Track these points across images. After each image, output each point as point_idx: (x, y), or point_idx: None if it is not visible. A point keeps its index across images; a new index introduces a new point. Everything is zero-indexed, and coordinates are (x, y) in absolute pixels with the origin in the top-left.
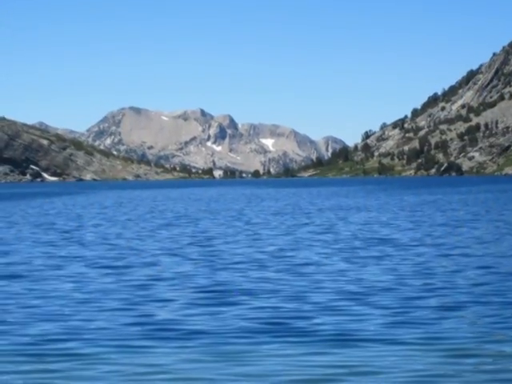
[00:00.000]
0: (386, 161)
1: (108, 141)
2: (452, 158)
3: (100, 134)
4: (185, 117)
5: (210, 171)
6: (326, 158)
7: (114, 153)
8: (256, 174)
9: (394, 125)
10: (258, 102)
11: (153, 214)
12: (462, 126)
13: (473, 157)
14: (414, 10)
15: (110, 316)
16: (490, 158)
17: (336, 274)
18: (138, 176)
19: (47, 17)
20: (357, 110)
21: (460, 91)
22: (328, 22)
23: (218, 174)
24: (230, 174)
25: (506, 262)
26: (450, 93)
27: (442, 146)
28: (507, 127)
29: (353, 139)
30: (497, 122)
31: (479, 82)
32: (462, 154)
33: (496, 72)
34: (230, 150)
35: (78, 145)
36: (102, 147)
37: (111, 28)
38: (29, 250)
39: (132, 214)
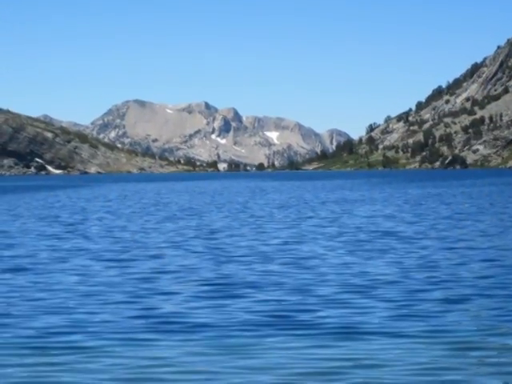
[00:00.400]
0: (390, 154)
1: (112, 134)
2: (456, 151)
3: (104, 126)
4: (189, 110)
5: (214, 164)
6: (330, 150)
7: (119, 146)
8: (260, 166)
9: (399, 118)
10: (262, 95)
11: (157, 206)
12: (466, 119)
13: (477, 150)
14: (418, 3)
15: (115, 309)
16: (495, 150)
17: (340, 266)
18: (142, 169)
19: (51, 10)
20: (361, 103)
21: (464, 84)
22: (332, 15)
23: (222, 166)
24: (235, 166)
25: (511, 254)
26: (455, 86)
27: (447, 138)
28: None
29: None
30: (501, 115)
31: (483, 75)
32: (467, 147)
33: (500, 65)
34: (235, 143)
35: (82, 138)
36: (106, 140)
37: (116, 21)
38: (33, 243)
39: (136, 206)
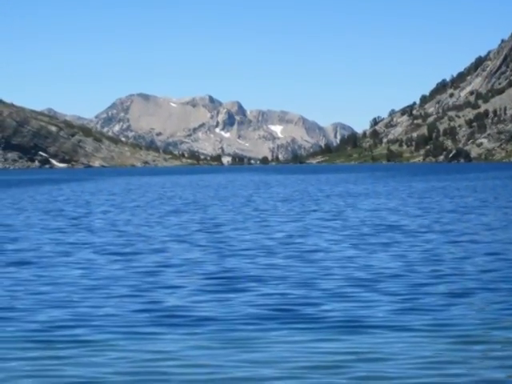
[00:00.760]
0: (394, 147)
1: (116, 127)
2: (460, 145)
3: (108, 120)
4: (193, 103)
5: (218, 158)
6: (334, 144)
7: (123, 139)
8: (264, 160)
9: (403, 111)
10: (266, 89)
11: (161, 200)
12: (470, 113)
13: (481, 143)
14: None
15: (119, 302)
16: (499, 144)
17: (344, 260)
18: (146, 162)
19: (55, 4)
20: (365, 97)
21: (468, 78)
22: (336, 8)
23: (226, 160)
24: (239, 160)
25: None
26: (459, 79)
27: (451, 132)
28: None
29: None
30: (505, 109)
31: (488, 69)
32: (471, 141)
33: (504, 58)
34: (239, 137)
35: (86, 131)
36: (110, 134)
37: (120, 15)
38: (37, 237)
39: (140, 200)
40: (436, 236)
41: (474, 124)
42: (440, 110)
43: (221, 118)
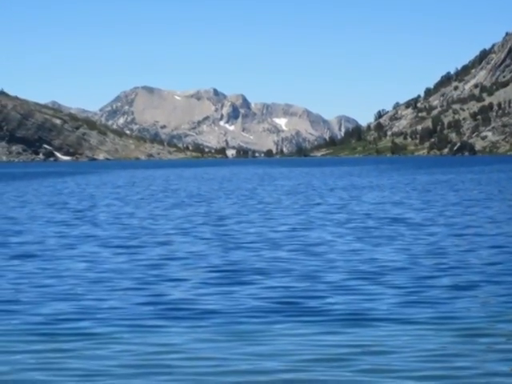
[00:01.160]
0: (398, 140)
1: (121, 120)
2: (465, 138)
3: (113, 113)
4: (198, 96)
5: (222, 151)
6: (338, 137)
7: (127, 132)
8: (269, 153)
9: (407, 104)
10: (270, 82)
11: (166, 193)
12: (474, 106)
13: (486, 136)
14: None
15: (123, 295)
16: (503, 137)
17: (349, 253)
18: (150, 155)
19: None
20: (370, 90)
21: (473, 71)
22: (341, 2)
23: (230, 153)
24: (243, 153)
25: None
26: (463, 72)
27: (455, 125)
28: None
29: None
30: (510, 102)
31: (492, 62)
32: (475, 134)
33: (509, 51)
34: (243, 130)
35: (90, 124)
36: (114, 127)
37: (125, 7)
38: (42, 230)
39: (145, 193)
40: (440, 229)
41: (479, 117)
42: (444, 103)
43: (225, 110)
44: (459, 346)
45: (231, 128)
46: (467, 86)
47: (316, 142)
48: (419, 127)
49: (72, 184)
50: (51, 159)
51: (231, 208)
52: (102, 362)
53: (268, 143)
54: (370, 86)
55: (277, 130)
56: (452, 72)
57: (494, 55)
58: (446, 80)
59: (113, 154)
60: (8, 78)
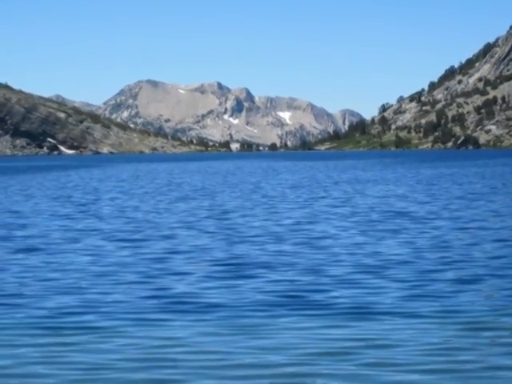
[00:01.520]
0: (402, 134)
1: (125, 114)
2: (469, 131)
3: (117, 107)
4: (202, 90)
5: (226, 144)
6: (342, 131)
7: (131, 126)
8: (273, 147)
9: (411, 98)
10: (275, 75)
11: (170, 187)
12: (478, 99)
13: (490, 130)
14: None
15: (127, 289)
16: (507, 131)
17: (353, 247)
18: (154, 149)
19: None
20: (374, 83)
21: (477, 64)
22: None
23: (234, 147)
24: (247, 147)
25: None
26: (467, 66)
27: (459, 119)
28: None
29: (370, 112)
30: None
31: (496, 55)
32: (479, 127)
33: None
34: (247, 123)
35: (94, 118)
36: (118, 120)
37: (129, 0)
38: (46, 223)
39: (149, 187)
40: (444, 223)
41: (483, 111)
42: (448, 97)
43: (229, 104)
44: (463, 340)
45: (235, 122)
46: (471, 80)
47: (320, 136)
48: (423, 121)
49: (76, 177)
50: (55, 153)
51: (235, 202)
52: (106, 355)
53: (272, 137)
54: (373, 79)
55: (281, 123)
56: (456, 66)
57: (497, 49)
58: (450, 74)
59: (117, 147)
60: (12, 72)
